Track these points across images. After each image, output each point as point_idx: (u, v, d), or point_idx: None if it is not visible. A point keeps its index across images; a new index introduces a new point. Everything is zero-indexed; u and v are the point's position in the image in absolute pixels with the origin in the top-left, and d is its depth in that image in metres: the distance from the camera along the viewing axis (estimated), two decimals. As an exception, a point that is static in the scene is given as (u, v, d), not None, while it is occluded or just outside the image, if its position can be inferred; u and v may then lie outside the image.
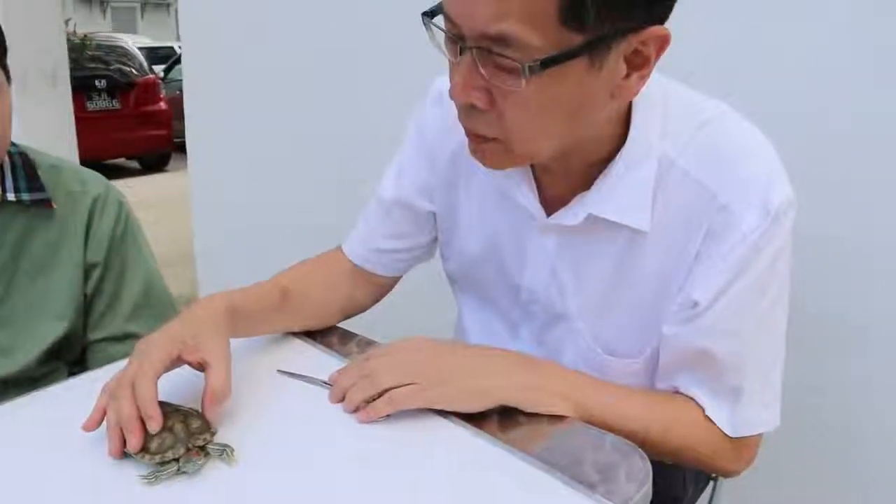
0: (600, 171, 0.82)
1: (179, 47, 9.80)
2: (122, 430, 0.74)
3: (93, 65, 7.31)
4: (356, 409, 0.83)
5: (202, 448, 0.74)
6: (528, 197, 0.89)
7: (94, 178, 1.21)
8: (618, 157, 0.81)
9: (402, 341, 0.89)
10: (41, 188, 1.13)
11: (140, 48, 8.49)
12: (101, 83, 7.17)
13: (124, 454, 0.75)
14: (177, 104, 7.58)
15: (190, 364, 0.82)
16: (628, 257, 0.85)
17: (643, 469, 0.73)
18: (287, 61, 2.14)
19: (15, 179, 1.12)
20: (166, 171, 7.81)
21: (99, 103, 7.19)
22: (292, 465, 0.74)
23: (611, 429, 0.80)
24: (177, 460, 0.72)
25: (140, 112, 7.45)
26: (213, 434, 0.76)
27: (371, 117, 1.92)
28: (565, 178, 0.85)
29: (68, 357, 1.19)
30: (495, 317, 1.02)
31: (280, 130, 2.22)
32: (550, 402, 0.82)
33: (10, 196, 1.10)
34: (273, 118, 2.22)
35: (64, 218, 1.16)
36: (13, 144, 1.14)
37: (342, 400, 0.85)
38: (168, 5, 25.57)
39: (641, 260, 0.84)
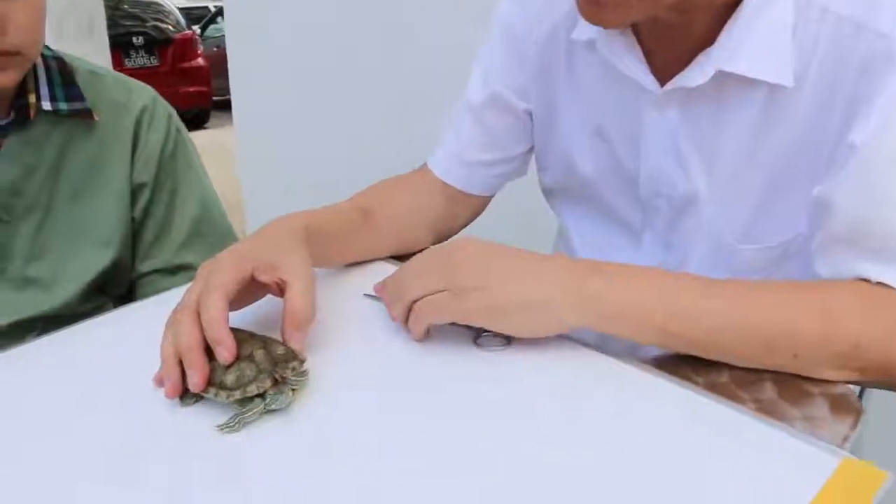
0: (725, 22, 0.69)
1: (214, 7, 9.68)
2: (181, 364, 0.60)
3: (129, 22, 7.20)
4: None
5: (290, 379, 0.59)
6: (637, 67, 0.75)
7: (140, 87, 1.06)
8: None
9: (442, 245, 0.72)
10: (80, 97, 0.98)
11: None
12: (138, 40, 7.07)
13: (188, 397, 0.60)
14: (215, 61, 7.59)
15: (265, 286, 0.67)
16: (766, 120, 0.71)
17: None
18: (333, 12, 2.03)
19: (51, 86, 0.97)
20: (206, 128, 7.71)
21: (137, 60, 7.09)
22: (390, 407, 0.59)
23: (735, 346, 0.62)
24: (262, 396, 0.57)
25: (179, 68, 7.35)
26: (302, 362, 0.60)
27: (421, 69, 1.83)
28: (685, 34, 0.71)
29: (115, 292, 1.05)
30: (611, 227, 0.88)
31: (326, 81, 2.11)
32: (640, 322, 0.62)
33: (46, 105, 0.95)
34: (319, 69, 2.12)
35: (107, 132, 1.01)
36: (47, 48, 0.99)
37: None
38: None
39: (783, 122, 0.70)
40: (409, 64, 1.89)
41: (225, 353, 0.59)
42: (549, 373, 0.62)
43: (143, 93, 1.05)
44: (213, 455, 0.54)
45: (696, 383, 0.60)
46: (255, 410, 0.57)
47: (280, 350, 0.61)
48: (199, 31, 8.75)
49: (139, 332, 0.66)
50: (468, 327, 0.67)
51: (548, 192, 0.96)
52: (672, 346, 0.63)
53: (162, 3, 7.85)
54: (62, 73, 0.98)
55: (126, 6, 7.37)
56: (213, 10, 9.53)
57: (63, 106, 0.97)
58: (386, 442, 0.54)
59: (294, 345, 0.62)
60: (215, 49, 7.93)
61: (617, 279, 0.64)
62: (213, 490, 0.50)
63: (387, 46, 1.94)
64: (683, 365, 0.63)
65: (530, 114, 0.90)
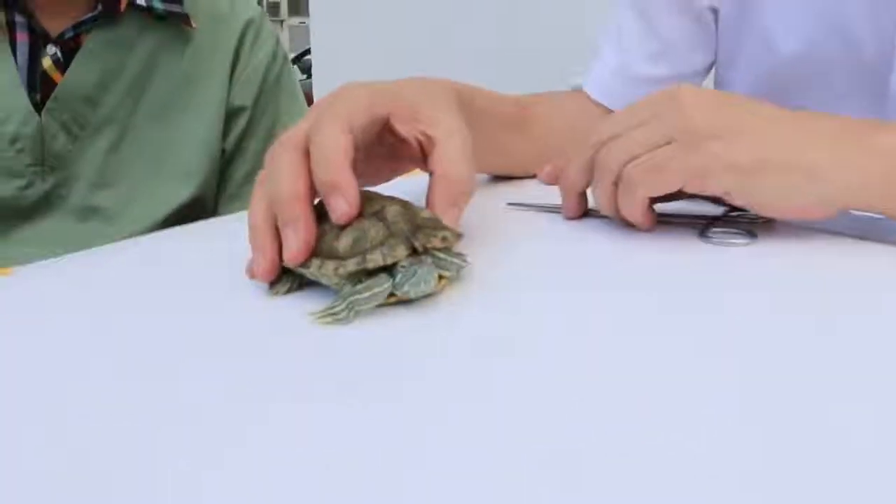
0: None
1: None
2: (276, 229, 0.41)
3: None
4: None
5: (439, 256, 0.40)
6: None
7: None
8: None
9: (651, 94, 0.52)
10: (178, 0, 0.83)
11: None
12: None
13: (281, 282, 0.42)
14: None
15: (398, 149, 0.48)
16: None
17: None
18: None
19: (146, -20, 0.82)
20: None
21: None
22: (589, 314, 0.38)
23: None
24: (389, 270, 0.38)
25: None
26: (457, 236, 0.41)
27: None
28: None
29: (190, 236, 0.88)
30: None
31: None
32: None
33: (140, -1, 0.81)
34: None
35: (204, 44, 0.86)
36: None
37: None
38: None
39: None
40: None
41: (343, 203, 0.40)
42: (814, 280, 0.41)
43: (249, 5, 0.89)
44: (301, 359, 0.33)
45: None
46: (376, 291, 0.37)
47: (425, 214, 0.42)
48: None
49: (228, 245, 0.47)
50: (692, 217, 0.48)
51: None
52: None
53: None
54: None
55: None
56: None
57: (158, 4, 0.81)
58: (590, 366, 0.32)
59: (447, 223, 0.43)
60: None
61: None
62: (293, 409, 0.28)
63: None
64: None
65: (715, 13, 0.73)
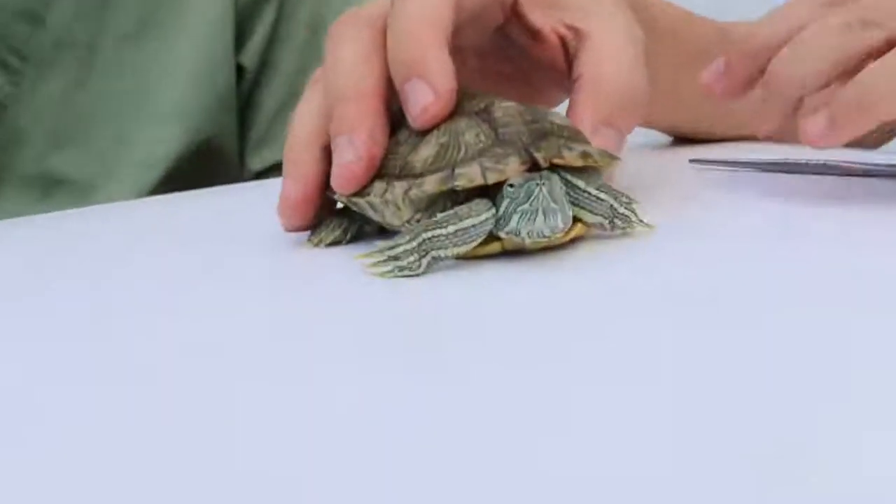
0: None
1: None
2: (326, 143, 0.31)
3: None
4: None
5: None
6: None
7: None
8: None
9: None
10: None
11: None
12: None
13: (324, 226, 0.32)
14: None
15: (536, 39, 0.36)
16: None
17: None
18: None
19: None
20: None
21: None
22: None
23: None
24: (490, 196, 0.27)
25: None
26: (610, 159, 0.30)
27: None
28: None
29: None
30: None
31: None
32: None
33: None
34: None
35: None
36: None
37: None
38: None
39: None
40: None
41: (426, 92, 0.28)
42: None
43: None
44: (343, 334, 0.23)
45: None
46: (467, 226, 0.27)
47: (557, 119, 0.30)
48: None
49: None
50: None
51: None
52: None
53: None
54: None
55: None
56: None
57: None
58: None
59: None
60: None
61: None
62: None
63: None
64: None
65: None
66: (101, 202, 0.55)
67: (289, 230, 0.33)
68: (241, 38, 0.58)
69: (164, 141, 0.57)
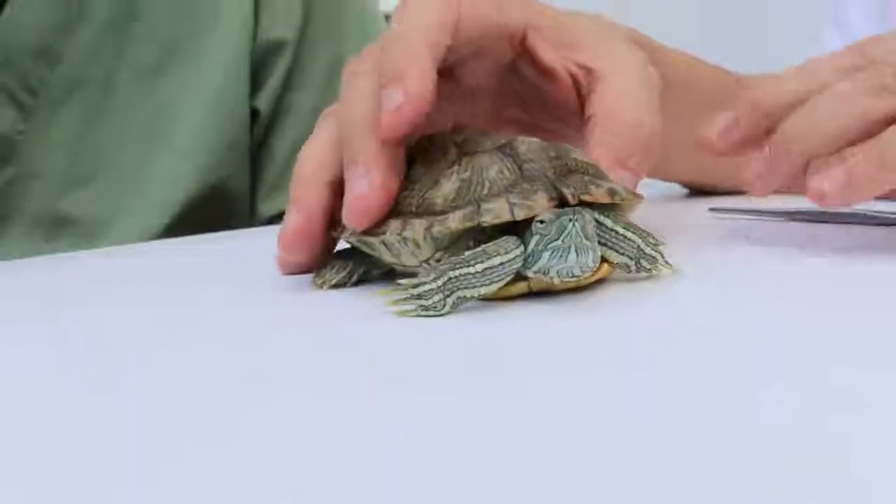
0: None
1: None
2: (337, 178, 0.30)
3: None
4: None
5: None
6: None
7: None
8: None
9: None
10: None
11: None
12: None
13: (330, 267, 0.31)
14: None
15: (546, 76, 0.35)
16: None
17: None
18: None
19: None
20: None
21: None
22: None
23: None
24: (518, 233, 0.26)
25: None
26: (635, 197, 0.30)
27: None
28: None
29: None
30: None
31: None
32: None
33: None
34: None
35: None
36: None
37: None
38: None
39: None
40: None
41: (400, 96, 0.27)
42: None
43: None
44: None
45: None
46: (495, 265, 0.25)
47: (579, 155, 0.29)
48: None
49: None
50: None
51: None
52: None
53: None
54: None
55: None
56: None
57: None
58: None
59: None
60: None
61: None
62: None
63: None
64: None
65: None
66: (108, 244, 0.54)
67: (286, 269, 0.32)
68: (256, 81, 0.58)
69: (176, 182, 0.56)
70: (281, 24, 0.58)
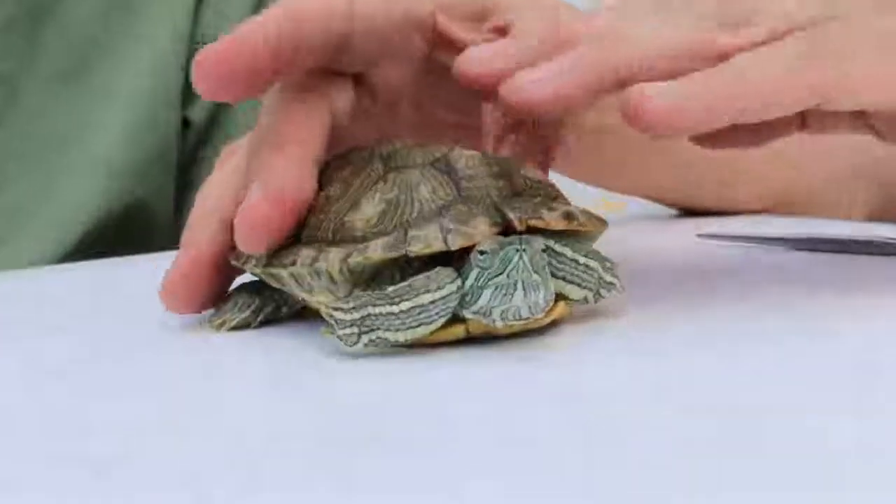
0: None
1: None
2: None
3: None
4: None
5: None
6: None
7: None
8: None
9: None
10: None
11: None
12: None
13: (230, 306, 0.27)
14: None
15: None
16: None
17: None
18: None
19: None
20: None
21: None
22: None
23: None
24: (454, 265, 0.22)
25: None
26: (597, 222, 0.25)
27: None
28: None
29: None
30: None
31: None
32: None
33: None
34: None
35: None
36: None
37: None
38: None
39: None
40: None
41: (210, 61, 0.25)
42: None
43: None
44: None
45: None
46: (426, 303, 0.22)
47: (529, 172, 0.25)
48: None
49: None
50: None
51: None
52: None
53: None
54: None
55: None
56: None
57: None
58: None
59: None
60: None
61: None
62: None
63: None
64: None
65: None
66: (4, 263, 0.48)
67: (174, 311, 0.26)
68: (190, 90, 0.52)
69: (88, 197, 0.50)
70: (226, 24, 0.52)
